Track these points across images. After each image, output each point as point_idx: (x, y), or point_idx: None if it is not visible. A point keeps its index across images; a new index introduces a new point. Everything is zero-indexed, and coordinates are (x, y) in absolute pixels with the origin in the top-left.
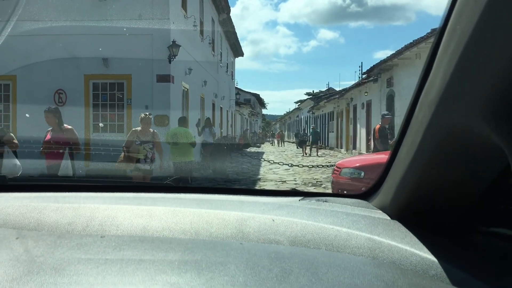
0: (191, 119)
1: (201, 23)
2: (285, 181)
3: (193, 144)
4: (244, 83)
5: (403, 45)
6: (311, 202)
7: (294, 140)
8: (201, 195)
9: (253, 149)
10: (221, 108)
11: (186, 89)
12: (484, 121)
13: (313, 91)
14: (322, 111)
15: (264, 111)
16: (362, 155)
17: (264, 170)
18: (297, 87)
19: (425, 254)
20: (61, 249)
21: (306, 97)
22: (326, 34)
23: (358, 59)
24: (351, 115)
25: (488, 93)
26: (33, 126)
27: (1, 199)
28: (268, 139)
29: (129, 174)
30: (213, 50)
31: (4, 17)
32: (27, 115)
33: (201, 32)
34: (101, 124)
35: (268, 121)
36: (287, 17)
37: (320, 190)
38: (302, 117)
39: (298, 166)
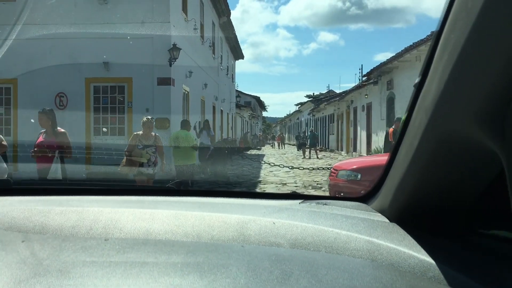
0: (192, 122)
1: (202, 26)
2: (285, 184)
3: (195, 147)
4: (244, 86)
5: (403, 48)
6: (311, 205)
7: (294, 142)
8: (203, 198)
9: (253, 152)
10: (221, 110)
11: (186, 92)
12: (478, 126)
13: (313, 93)
14: (323, 113)
15: (264, 114)
16: (360, 157)
17: (265, 172)
18: (297, 89)
19: (423, 256)
20: (66, 252)
21: (306, 99)
22: (326, 36)
23: (358, 62)
24: (352, 118)
25: (482, 98)
26: (35, 130)
27: (6, 202)
28: (268, 142)
29: (132, 178)
30: (214, 53)
31: (6, 22)
32: (32, 120)
33: (202, 35)
34: (104, 129)
35: (269, 123)
36: (287, 19)
37: (320, 192)
38: (303, 119)
39: (298, 168)
